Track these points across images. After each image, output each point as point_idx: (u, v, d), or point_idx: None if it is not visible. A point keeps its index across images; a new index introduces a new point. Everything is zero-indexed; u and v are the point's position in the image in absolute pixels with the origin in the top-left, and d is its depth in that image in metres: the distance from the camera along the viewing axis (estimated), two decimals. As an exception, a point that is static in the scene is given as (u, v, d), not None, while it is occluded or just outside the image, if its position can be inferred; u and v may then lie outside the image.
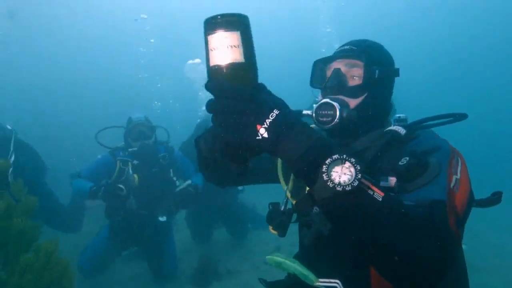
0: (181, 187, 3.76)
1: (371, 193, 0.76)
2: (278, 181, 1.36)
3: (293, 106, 0.88)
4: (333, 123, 1.11)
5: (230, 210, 4.73)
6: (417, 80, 20.04)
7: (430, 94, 22.03)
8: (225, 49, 0.72)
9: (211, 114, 0.77)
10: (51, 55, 18.72)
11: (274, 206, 1.27)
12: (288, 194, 1.29)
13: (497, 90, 21.44)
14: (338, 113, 1.11)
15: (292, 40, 21.10)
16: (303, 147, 0.74)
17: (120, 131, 3.85)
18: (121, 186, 3.34)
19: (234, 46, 0.72)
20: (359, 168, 0.72)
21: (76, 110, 17.22)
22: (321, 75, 1.27)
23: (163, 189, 3.73)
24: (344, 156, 0.72)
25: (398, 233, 0.77)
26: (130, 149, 3.66)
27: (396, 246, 0.77)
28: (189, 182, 3.80)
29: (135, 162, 3.64)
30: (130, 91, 18.49)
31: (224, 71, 0.73)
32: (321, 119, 1.12)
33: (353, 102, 1.16)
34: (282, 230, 1.23)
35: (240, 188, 4.72)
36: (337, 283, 1.14)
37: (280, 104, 0.77)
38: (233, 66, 0.73)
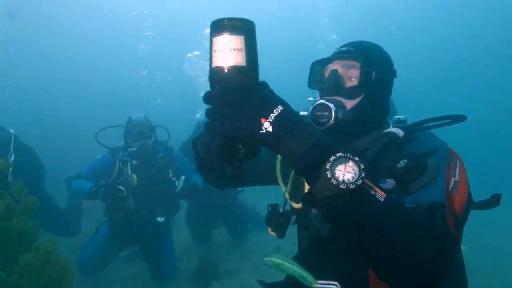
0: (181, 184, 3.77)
1: (373, 193, 0.76)
2: (277, 183, 1.36)
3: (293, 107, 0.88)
4: (328, 124, 1.11)
5: (230, 210, 4.72)
6: (417, 80, 20.04)
7: (430, 94, 22.03)
8: (228, 51, 0.74)
9: (209, 108, 0.77)
10: (51, 55, 18.72)
11: (273, 207, 1.27)
12: (287, 196, 1.29)
13: (497, 90, 21.44)
14: (333, 114, 1.11)
15: (292, 40, 21.11)
16: (306, 144, 0.73)
17: (120, 131, 3.85)
18: (121, 188, 3.34)
19: (237, 49, 0.74)
20: (362, 167, 0.72)
21: (76, 110, 17.22)
22: (319, 76, 1.28)
23: (162, 189, 3.73)
24: (348, 154, 0.72)
25: (398, 234, 0.77)
26: (129, 149, 3.66)
27: (395, 247, 0.77)
28: (183, 177, 3.80)
29: (134, 162, 3.64)
30: (130, 91, 18.49)
31: (226, 72, 0.75)
32: (316, 120, 1.13)
33: (349, 103, 1.17)
34: (280, 231, 1.23)
35: (239, 188, 4.71)
36: (336, 285, 1.14)
37: (282, 101, 0.77)
38: (234, 69, 0.74)
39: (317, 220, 1.10)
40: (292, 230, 1.37)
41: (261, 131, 0.73)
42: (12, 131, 3.67)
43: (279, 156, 1.35)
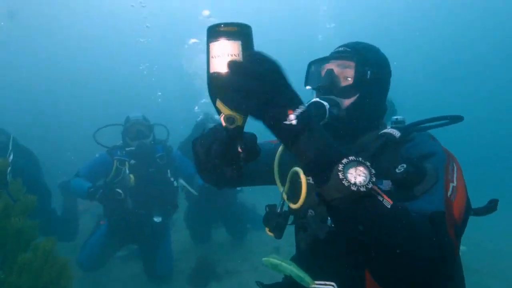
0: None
1: (381, 199, 0.78)
2: (274, 183, 1.37)
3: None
4: (321, 122, 1.12)
5: (230, 210, 4.72)
6: (417, 80, 20.05)
7: (430, 94, 22.03)
8: (225, 57, 0.74)
9: (230, 94, 0.74)
10: (51, 55, 18.73)
11: (271, 208, 1.28)
12: (284, 196, 1.29)
13: (497, 90, 21.43)
14: (327, 112, 1.12)
15: (292, 40, 21.11)
16: (321, 144, 0.76)
17: (119, 130, 3.84)
18: (118, 190, 3.34)
19: (234, 55, 0.74)
20: (373, 172, 0.74)
21: (76, 109, 17.23)
22: (316, 76, 1.28)
23: (160, 189, 3.72)
24: (360, 159, 0.75)
25: (401, 240, 0.78)
26: (127, 149, 3.64)
27: (398, 252, 0.78)
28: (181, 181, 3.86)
29: (132, 161, 3.63)
30: (131, 90, 18.50)
31: (223, 78, 0.75)
32: None
33: (344, 102, 1.17)
34: (278, 232, 1.23)
35: (238, 188, 4.71)
36: (333, 285, 1.15)
37: (303, 103, 0.80)
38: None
39: (314, 221, 1.10)
40: (290, 230, 1.37)
41: (285, 121, 0.75)
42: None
43: (277, 157, 1.36)
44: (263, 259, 1.25)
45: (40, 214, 2.39)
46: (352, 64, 1.18)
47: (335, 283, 1.15)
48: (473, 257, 4.67)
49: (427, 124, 1.20)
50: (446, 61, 21.37)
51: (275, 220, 1.24)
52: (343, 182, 0.73)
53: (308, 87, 1.31)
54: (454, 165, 1.09)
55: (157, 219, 3.62)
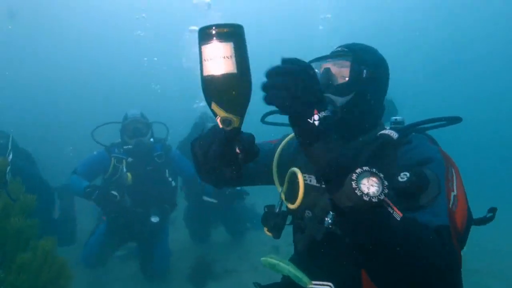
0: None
1: (391, 211, 0.79)
2: (273, 183, 1.38)
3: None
4: None
5: (229, 209, 4.71)
6: (417, 80, 20.04)
7: (430, 94, 22.02)
8: (218, 60, 0.74)
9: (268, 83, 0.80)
10: (51, 55, 18.73)
11: (269, 208, 1.28)
12: (283, 197, 1.30)
13: (497, 90, 21.43)
14: None
15: (292, 40, 21.10)
16: (337, 151, 0.79)
17: (119, 128, 3.82)
18: (114, 193, 3.33)
19: (226, 57, 0.74)
20: (386, 183, 0.75)
21: (76, 109, 17.22)
22: None
23: (158, 188, 3.71)
24: (374, 170, 0.76)
25: (408, 253, 0.80)
26: (125, 147, 3.63)
27: (403, 264, 0.80)
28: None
29: (130, 159, 3.61)
30: (131, 90, 18.50)
31: (217, 81, 0.75)
32: None
33: (340, 101, 1.17)
34: (276, 232, 1.24)
35: (238, 188, 4.71)
36: (330, 285, 1.15)
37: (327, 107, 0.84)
38: (225, 77, 0.75)
39: (311, 222, 1.10)
40: (289, 229, 1.37)
41: (309, 119, 0.79)
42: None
43: (276, 158, 1.37)
44: (262, 259, 1.25)
45: (40, 214, 2.38)
46: (349, 63, 1.19)
47: (332, 283, 1.15)
48: (473, 257, 4.66)
49: (426, 125, 1.20)
50: (447, 61, 21.35)
51: (273, 220, 1.25)
52: (356, 191, 0.74)
53: None
54: (453, 172, 1.09)
55: (154, 219, 3.60)
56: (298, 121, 0.81)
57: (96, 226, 3.88)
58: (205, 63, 0.76)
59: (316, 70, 1.23)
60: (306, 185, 1.21)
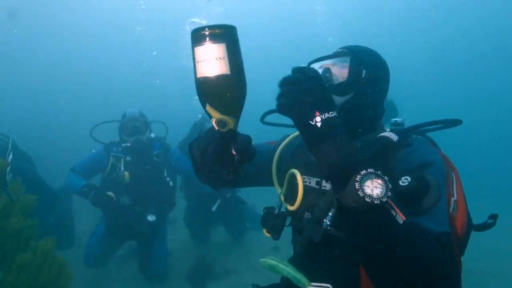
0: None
1: (394, 214, 0.80)
2: (273, 184, 1.38)
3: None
4: None
5: (229, 209, 4.71)
6: (417, 81, 20.04)
7: (430, 95, 22.02)
8: (211, 61, 0.74)
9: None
10: (51, 55, 18.73)
11: (268, 209, 1.28)
12: (282, 198, 1.30)
13: (497, 90, 21.42)
14: None
15: (292, 39, 21.10)
16: (343, 153, 0.80)
17: (117, 127, 3.82)
18: (110, 194, 3.33)
19: (219, 58, 0.74)
20: (390, 186, 0.76)
21: (76, 108, 17.22)
22: None
23: (156, 187, 3.70)
24: (379, 172, 0.77)
25: (409, 257, 0.80)
26: (123, 145, 3.62)
27: (403, 268, 0.80)
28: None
29: (128, 158, 3.61)
30: (131, 89, 18.50)
31: (211, 82, 0.75)
32: None
33: (338, 100, 1.16)
34: (275, 233, 1.24)
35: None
36: (329, 287, 1.15)
37: (339, 112, 0.88)
38: (219, 78, 0.74)
39: (310, 224, 1.10)
40: (289, 229, 1.37)
41: (310, 121, 0.82)
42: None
43: (275, 159, 1.37)
44: (261, 260, 1.25)
45: (38, 216, 2.38)
46: (348, 63, 1.19)
47: (331, 284, 1.15)
48: (473, 257, 4.65)
49: (426, 128, 1.20)
50: (447, 61, 21.36)
51: (272, 221, 1.25)
52: (359, 192, 0.75)
53: None
54: (453, 176, 1.08)
55: (150, 218, 3.59)
56: (300, 123, 0.84)
57: (96, 226, 3.88)
58: (198, 65, 0.75)
59: (319, 69, 1.24)
60: (306, 187, 1.21)
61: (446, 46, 20.80)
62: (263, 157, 1.42)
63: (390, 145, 1.12)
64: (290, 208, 1.24)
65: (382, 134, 1.17)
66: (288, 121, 0.94)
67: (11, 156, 2.95)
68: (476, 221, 1.24)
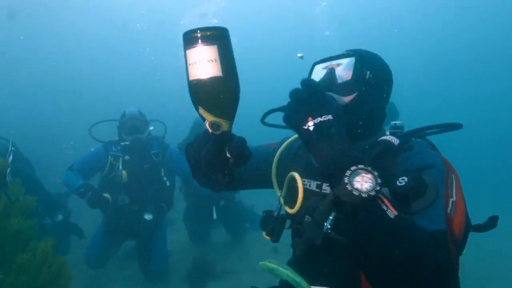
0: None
1: (385, 208, 0.81)
2: (272, 187, 1.37)
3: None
4: None
5: (228, 210, 4.71)
6: (417, 81, 20.04)
7: (430, 95, 22.01)
8: (202, 63, 0.73)
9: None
10: (51, 55, 18.72)
11: (268, 212, 1.28)
12: (282, 200, 1.29)
13: (497, 90, 21.42)
14: None
15: (292, 40, 21.10)
16: (335, 151, 0.85)
17: (116, 126, 3.82)
18: (106, 195, 3.33)
19: (211, 60, 0.73)
20: (379, 181, 0.78)
21: (76, 108, 17.20)
22: (317, 74, 1.28)
23: (154, 186, 3.70)
24: (369, 168, 0.80)
25: (400, 253, 0.80)
26: (122, 143, 3.62)
27: (395, 265, 0.79)
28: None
29: (127, 157, 3.60)
30: (131, 90, 18.49)
31: (203, 85, 0.74)
32: None
33: (342, 100, 1.16)
34: (275, 236, 1.24)
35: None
36: None
37: (337, 113, 0.91)
38: (211, 81, 0.74)
39: (310, 227, 1.10)
40: (288, 230, 1.37)
41: (304, 127, 0.88)
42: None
43: (275, 161, 1.37)
44: (260, 263, 1.25)
45: (36, 217, 2.38)
46: (352, 64, 1.19)
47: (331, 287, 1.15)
48: (474, 258, 4.66)
49: (426, 131, 1.20)
50: (447, 62, 21.36)
51: (272, 224, 1.24)
52: (347, 186, 0.78)
53: None
54: (453, 178, 1.08)
55: (148, 217, 3.59)
56: (295, 129, 0.91)
57: (98, 227, 3.89)
58: (190, 67, 0.75)
59: (323, 69, 1.24)
60: (306, 190, 1.21)
61: (447, 46, 20.79)
62: (263, 159, 1.42)
63: (391, 148, 1.12)
64: (290, 211, 1.23)
65: (383, 137, 1.17)
66: None
67: (11, 157, 2.95)
68: (476, 222, 1.24)
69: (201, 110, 0.78)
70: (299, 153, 1.34)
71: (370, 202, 0.79)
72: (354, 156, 0.84)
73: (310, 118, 0.87)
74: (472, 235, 1.15)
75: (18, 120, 11.83)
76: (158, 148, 3.78)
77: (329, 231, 0.95)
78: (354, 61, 1.18)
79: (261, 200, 4.71)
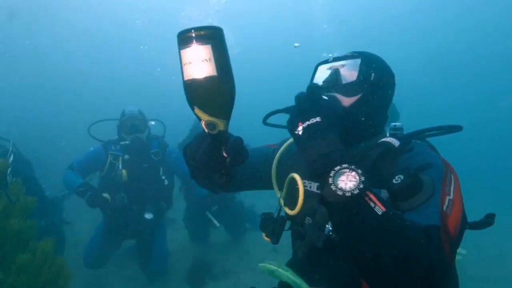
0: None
1: (372, 205, 0.80)
2: (272, 188, 1.37)
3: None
4: None
5: (228, 210, 4.71)
6: (417, 81, 20.03)
7: (430, 96, 22.02)
8: (197, 63, 0.74)
9: None
10: (51, 54, 18.71)
11: (267, 214, 1.28)
12: (281, 202, 1.29)
13: (497, 91, 21.42)
14: None
15: (291, 40, 21.06)
16: (323, 153, 0.86)
17: (116, 125, 3.81)
18: (105, 195, 3.33)
19: (206, 60, 0.73)
20: (363, 179, 0.79)
21: (76, 109, 17.19)
22: (321, 75, 1.28)
23: (153, 185, 3.70)
24: (353, 166, 0.81)
25: (390, 250, 0.79)
26: (122, 143, 3.62)
27: (386, 262, 0.78)
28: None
29: (126, 157, 3.60)
30: (132, 89, 18.47)
31: (198, 84, 0.74)
32: None
33: (346, 101, 1.16)
34: (275, 237, 1.23)
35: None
36: None
37: (326, 114, 0.93)
38: (206, 80, 0.74)
39: (311, 229, 1.10)
40: (288, 232, 1.36)
41: (296, 132, 0.92)
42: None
43: (275, 163, 1.37)
44: (260, 264, 1.24)
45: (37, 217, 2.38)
46: (358, 65, 1.19)
47: None
48: (473, 261, 4.65)
49: (426, 133, 1.20)
50: (447, 62, 21.34)
51: (271, 225, 1.24)
52: (331, 186, 0.79)
53: None
54: (452, 177, 1.08)
55: (148, 216, 3.59)
56: (291, 136, 0.96)
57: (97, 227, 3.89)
58: (185, 67, 0.75)
59: (328, 70, 1.25)
60: (306, 191, 1.20)
61: (447, 47, 20.78)
62: (263, 160, 1.42)
63: (391, 150, 1.12)
64: (290, 212, 1.23)
65: (383, 139, 1.16)
66: None
67: (12, 158, 2.95)
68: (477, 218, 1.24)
69: (197, 110, 0.78)
70: (299, 154, 1.34)
71: (354, 200, 0.79)
72: (340, 155, 0.85)
73: (300, 123, 0.92)
74: (472, 237, 1.15)
75: (18, 120, 11.82)
76: (158, 147, 3.77)
77: (330, 233, 0.95)
78: (359, 62, 1.19)
79: (261, 200, 4.70)
